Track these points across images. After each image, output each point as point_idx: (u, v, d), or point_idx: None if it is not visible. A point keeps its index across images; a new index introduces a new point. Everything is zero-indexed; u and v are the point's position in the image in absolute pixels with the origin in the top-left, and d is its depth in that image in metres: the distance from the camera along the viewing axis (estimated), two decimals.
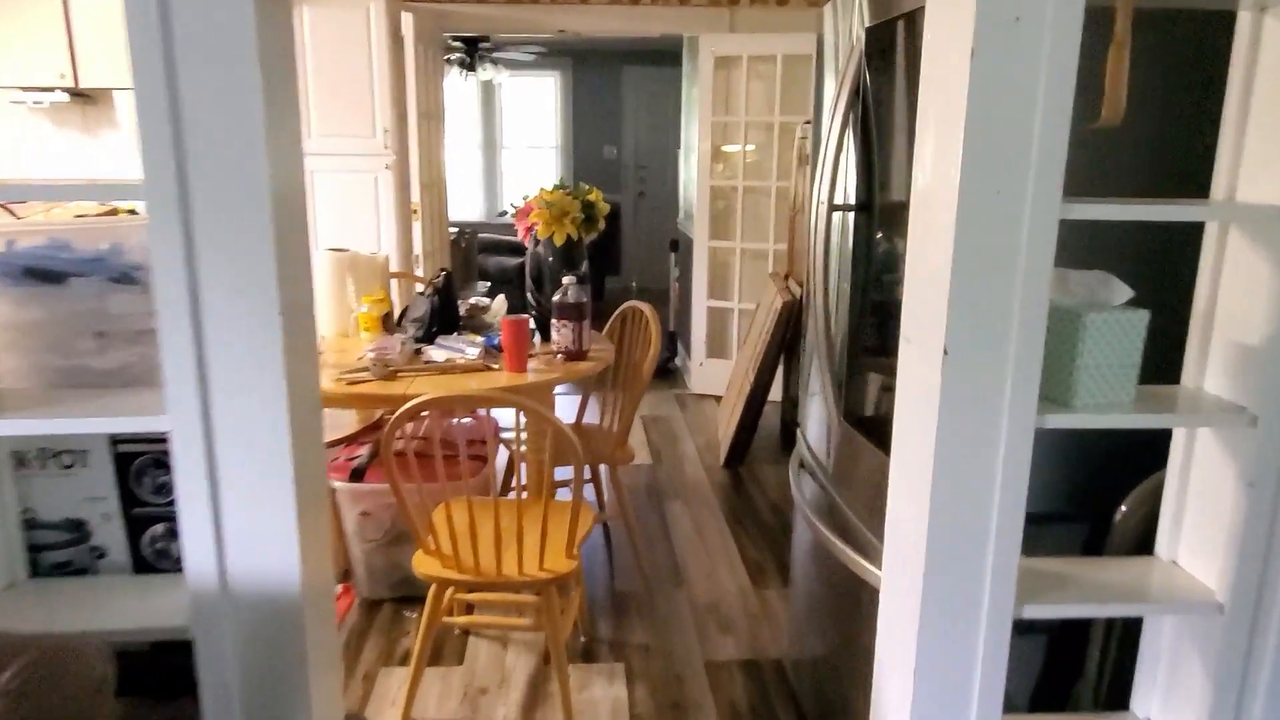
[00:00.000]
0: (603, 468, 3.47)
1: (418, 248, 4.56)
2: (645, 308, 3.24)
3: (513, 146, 9.46)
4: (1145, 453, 1.44)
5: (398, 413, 2.10)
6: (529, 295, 3.26)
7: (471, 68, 7.31)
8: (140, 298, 1.24)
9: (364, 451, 3.10)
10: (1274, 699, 1.31)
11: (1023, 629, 1.31)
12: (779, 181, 5.04)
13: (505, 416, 3.70)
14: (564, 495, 3.70)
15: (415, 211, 4.51)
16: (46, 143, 4.85)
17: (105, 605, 1.26)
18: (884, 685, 1.44)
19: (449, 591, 2.52)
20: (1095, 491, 1.52)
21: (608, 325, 3.43)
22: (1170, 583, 1.35)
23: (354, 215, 4.54)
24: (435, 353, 2.96)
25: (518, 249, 6.95)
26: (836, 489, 2.11)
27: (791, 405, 4.55)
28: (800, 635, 2.56)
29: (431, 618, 2.36)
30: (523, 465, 3.13)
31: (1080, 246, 1.27)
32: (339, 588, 2.05)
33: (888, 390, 1.91)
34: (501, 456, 3.67)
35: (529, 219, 3.15)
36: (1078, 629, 1.60)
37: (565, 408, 3.58)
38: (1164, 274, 1.40)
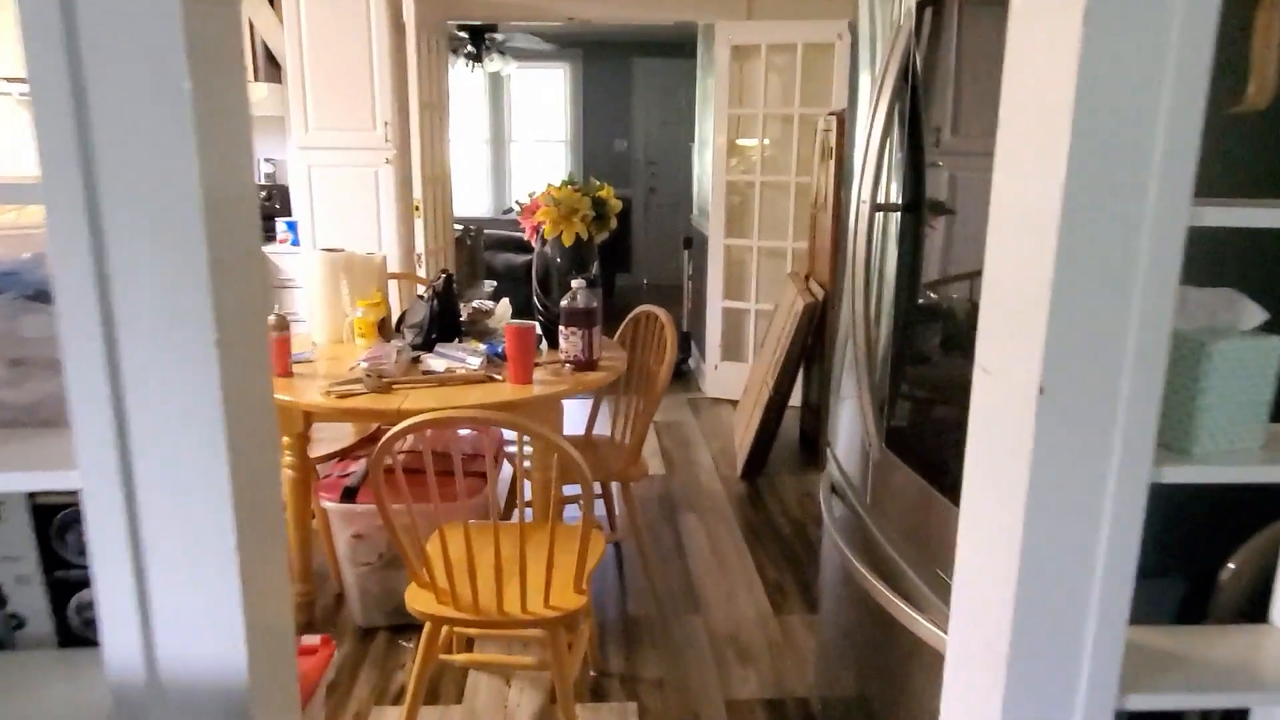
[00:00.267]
0: (614, 483, 3.26)
1: (420, 246, 4.35)
2: (660, 312, 3.02)
3: (521, 140, 9.24)
4: (1259, 498, 1.22)
5: (385, 436, 1.89)
6: (535, 299, 3.04)
7: (478, 59, 7.09)
8: None
9: (358, 468, 2.89)
10: None
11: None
12: (799, 177, 4.81)
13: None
14: (572, 511, 3.49)
15: (417, 208, 4.30)
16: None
17: (21, 688, 1.05)
18: None
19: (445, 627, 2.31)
20: (1197, 543, 1.30)
21: (620, 330, 3.21)
22: None
23: (353, 212, 4.34)
24: (434, 362, 2.75)
25: (526, 246, 6.73)
26: (874, 520, 1.89)
27: (812, 413, 4.33)
28: (830, 673, 2.34)
29: (426, 657, 2.16)
30: (526, 482, 2.93)
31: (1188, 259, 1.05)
32: (316, 639, 1.84)
33: (939, 415, 1.69)
34: (505, 470, 3.46)
35: (535, 217, 2.93)
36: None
37: (575, 415, 3.37)
38: None
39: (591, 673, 2.60)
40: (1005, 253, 1.04)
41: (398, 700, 2.44)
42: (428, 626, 2.13)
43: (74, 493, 1.05)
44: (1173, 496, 1.26)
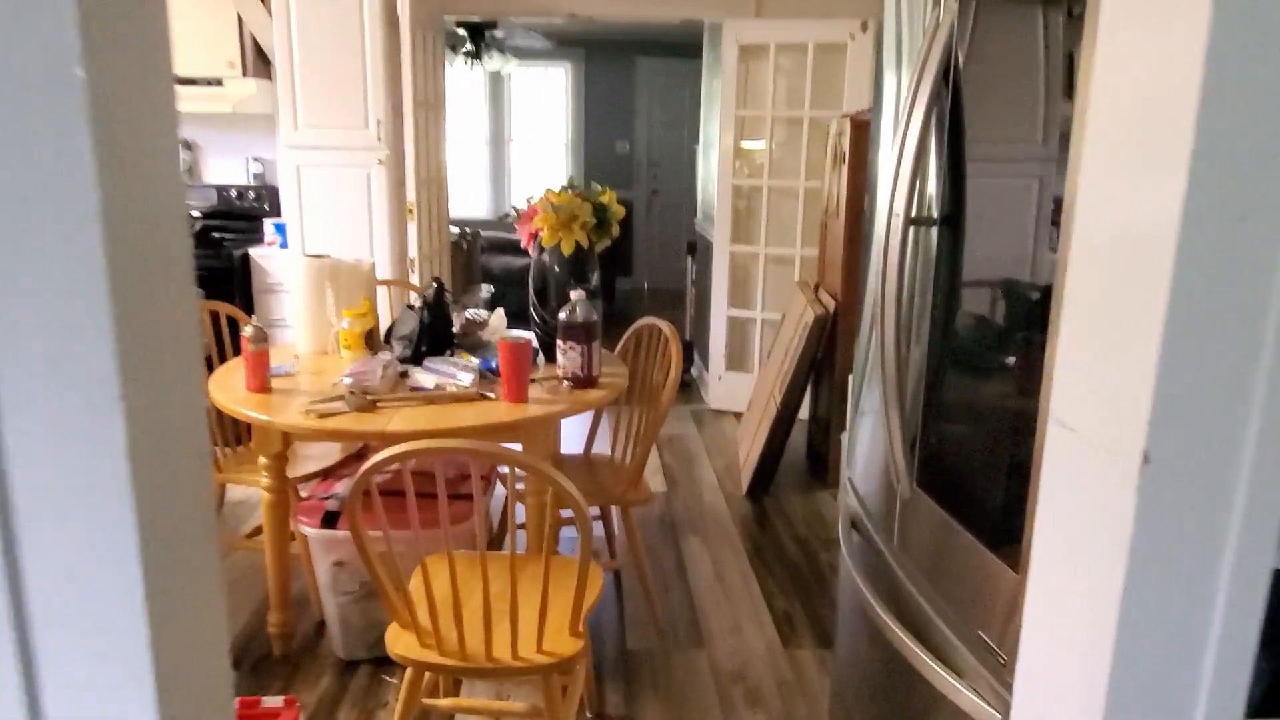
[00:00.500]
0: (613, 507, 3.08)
1: (413, 251, 4.17)
2: (664, 326, 2.84)
3: (521, 141, 9.07)
4: None
5: (361, 470, 1.71)
6: (532, 311, 2.86)
7: (478, 57, 6.91)
8: None
9: (341, 488, 2.71)
10: None
11: None
12: (808, 181, 4.63)
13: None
14: (569, 532, 3.32)
15: (411, 211, 4.12)
16: None
17: None
18: None
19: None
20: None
21: (621, 343, 3.04)
22: None
23: (344, 214, 4.16)
24: (423, 377, 2.58)
25: (525, 249, 6.57)
26: (900, 565, 1.71)
27: (821, 428, 4.16)
28: None
29: (409, 703, 1.98)
30: (519, 504, 2.75)
31: None
32: (279, 700, 1.67)
33: (982, 455, 1.51)
34: (497, 489, 3.28)
35: (533, 224, 2.76)
36: None
37: (573, 431, 3.20)
38: None
39: (588, 715, 2.42)
40: (1095, 281, 0.86)
41: None
42: (409, 672, 1.95)
43: None
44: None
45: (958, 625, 1.47)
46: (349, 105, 4.05)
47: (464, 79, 8.56)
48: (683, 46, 8.54)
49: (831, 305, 3.83)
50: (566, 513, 2.82)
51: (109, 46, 0.70)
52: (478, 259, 6.00)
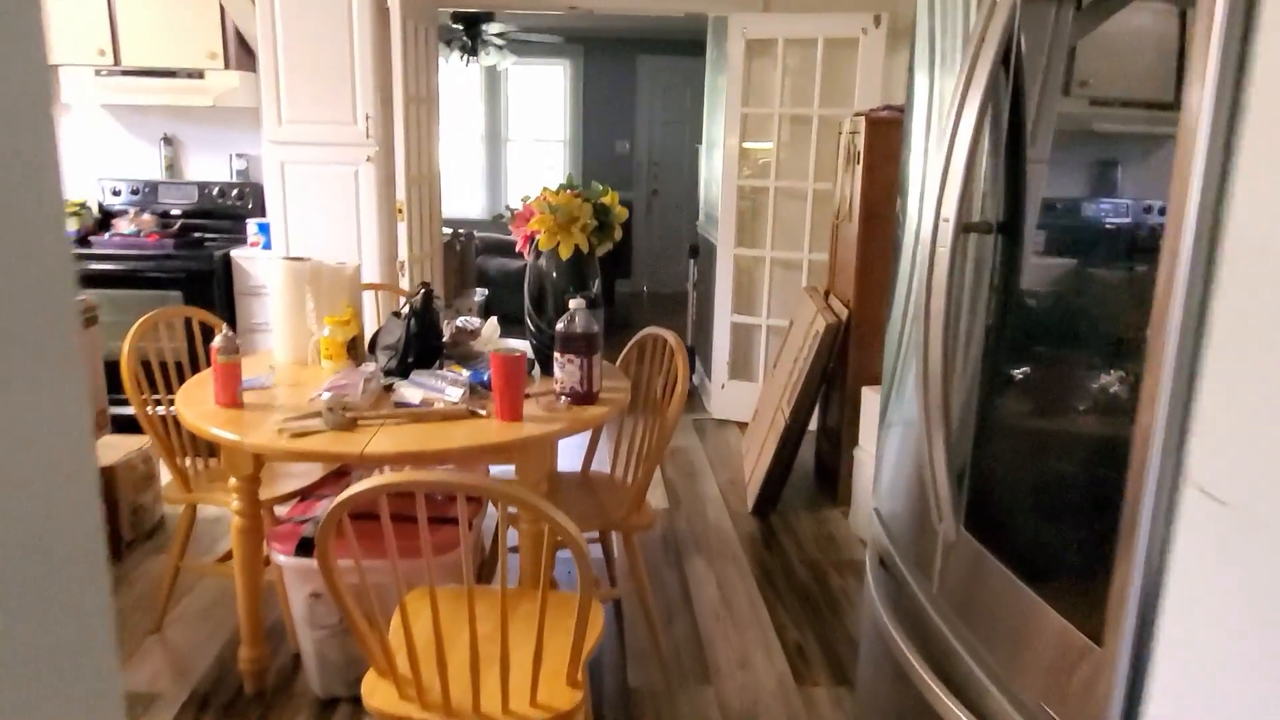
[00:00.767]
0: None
1: (403, 252, 3.97)
2: (669, 337, 2.64)
3: (519, 139, 8.87)
4: None
5: (334, 504, 1.51)
6: (528, 320, 2.66)
7: (473, 52, 6.71)
8: None
9: (321, 510, 2.51)
10: None
11: None
12: (817, 183, 4.43)
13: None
14: (565, 553, 3.12)
15: (401, 211, 3.92)
16: None
17: None
18: None
19: None
20: None
21: (623, 355, 2.84)
22: None
23: (330, 213, 3.96)
24: (409, 391, 2.37)
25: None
26: (943, 617, 1.52)
27: (830, 441, 3.96)
28: None
29: None
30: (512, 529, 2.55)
31: None
32: None
33: (1047, 497, 1.31)
34: (490, 508, 3.08)
35: (529, 226, 2.56)
36: None
37: (571, 444, 3.00)
38: None
39: None
40: (1259, 324, 0.66)
41: None
42: None
43: None
44: None
45: (1011, 691, 1.27)
46: (336, 99, 3.85)
47: (459, 75, 8.36)
48: (684, 43, 8.35)
49: (844, 313, 3.63)
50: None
51: None
52: (472, 261, 5.80)
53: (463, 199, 8.77)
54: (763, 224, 4.66)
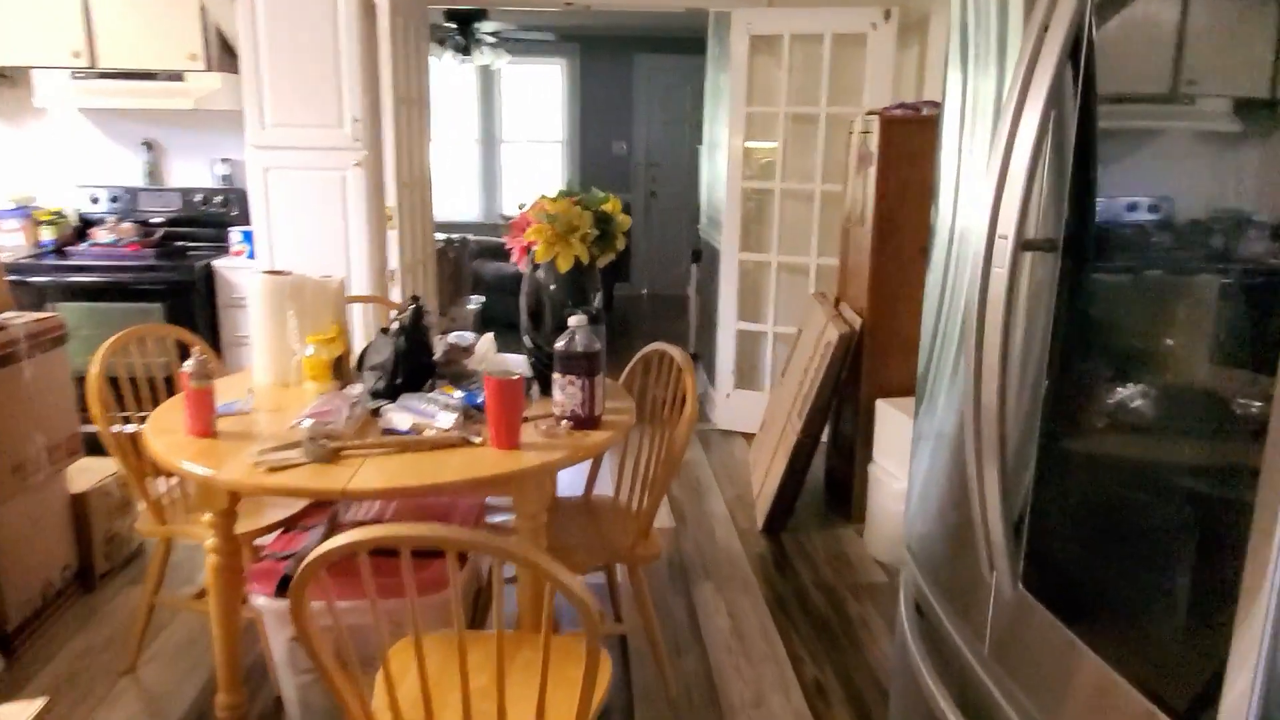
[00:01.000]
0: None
1: (394, 261, 3.80)
2: (675, 353, 2.47)
3: (514, 141, 8.69)
4: None
5: (304, 563, 1.34)
6: (524, 337, 2.49)
7: (467, 51, 6.53)
8: None
9: (306, 543, 2.34)
10: None
11: None
12: (825, 185, 4.26)
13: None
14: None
15: (390, 217, 3.75)
16: None
17: None
18: None
19: None
20: None
21: (626, 371, 2.67)
22: None
23: (316, 222, 3.78)
24: (397, 417, 2.20)
25: None
26: (996, 682, 1.34)
27: (842, 455, 3.79)
28: None
29: None
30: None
31: None
32: None
33: (1127, 551, 1.14)
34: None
35: (525, 236, 2.38)
36: None
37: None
38: None
39: None
40: None
41: None
42: None
43: None
44: None
45: None
46: (322, 101, 3.67)
47: (453, 75, 8.19)
48: (683, 41, 8.18)
49: (857, 322, 3.46)
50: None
51: None
52: (467, 267, 5.62)
53: (459, 202, 8.59)
54: (768, 227, 4.48)
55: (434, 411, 2.19)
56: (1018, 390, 1.30)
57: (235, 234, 4.09)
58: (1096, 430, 1.18)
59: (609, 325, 7.25)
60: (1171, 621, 1.01)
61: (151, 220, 4.33)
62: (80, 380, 2.57)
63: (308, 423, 2.10)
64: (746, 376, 4.71)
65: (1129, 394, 1.13)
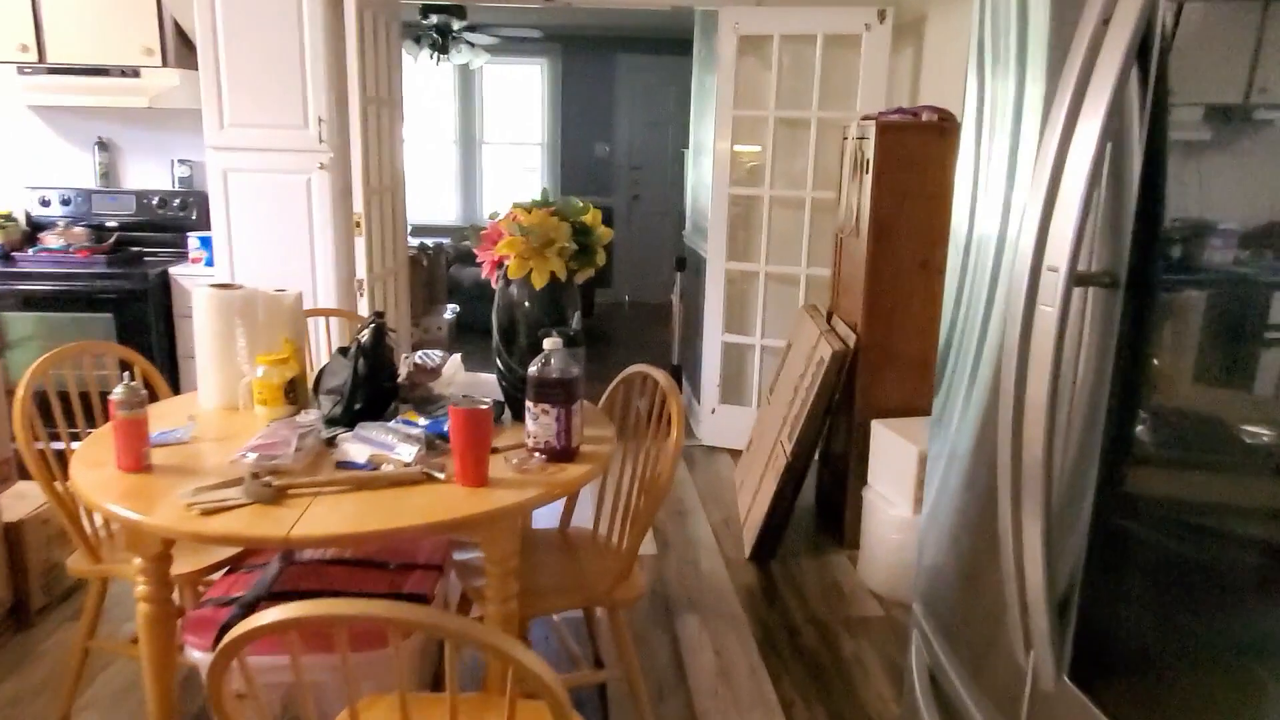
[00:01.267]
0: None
1: (361, 270, 3.58)
2: (659, 376, 2.28)
3: (494, 142, 8.47)
4: None
5: (220, 648, 1.14)
6: (496, 359, 2.29)
7: (444, 50, 6.31)
8: None
9: (255, 585, 2.13)
10: None
11: None
12: (816, 191, 4.08)
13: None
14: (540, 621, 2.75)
15: (358, 224, 3.53)
16: None
17: None
18: None
19: None
20: None
21: (606, 395, 2.47)
22: None
23: (279, 228, 3.56)
24: (354, 448, 1.99)
25: None
26: None
27: (834, 477, 3.61)
28: None
29: None
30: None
31: None
32: None
33: (1193, 643, 0.95)
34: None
35: (496, 250, 2.18)
36: None
37: None
38: None
39: None
40: None
41: None
42: None
43: None
44: None
45: None
46: (285, 100, 3.45)
47: (431, 74, 7.97)
48: (667, 42, 7.99)
49: (851, 339, 3.28)
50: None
51: None
52: (442, 274, 5.41)
53: (436, 206, 8.37)
54: (756, 235, 4.30)
55: (394, 443, 1.99)
56: (1063, 441, 1.11)
57: (193, 239, 3.86)
58: (1166, 489, 1.00)
59: (589, 333, 7.05)
60: None
61: (106, 224, 4.09)
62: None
63: (251, 457, 1.89)
64: (733, 391, 4.52)
65: (1207, 448, 0.94)
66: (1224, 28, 0.89)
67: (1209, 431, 0.94)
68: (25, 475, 2.81)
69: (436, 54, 6.33)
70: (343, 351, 2.28)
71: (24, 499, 2.84)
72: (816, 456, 3.79)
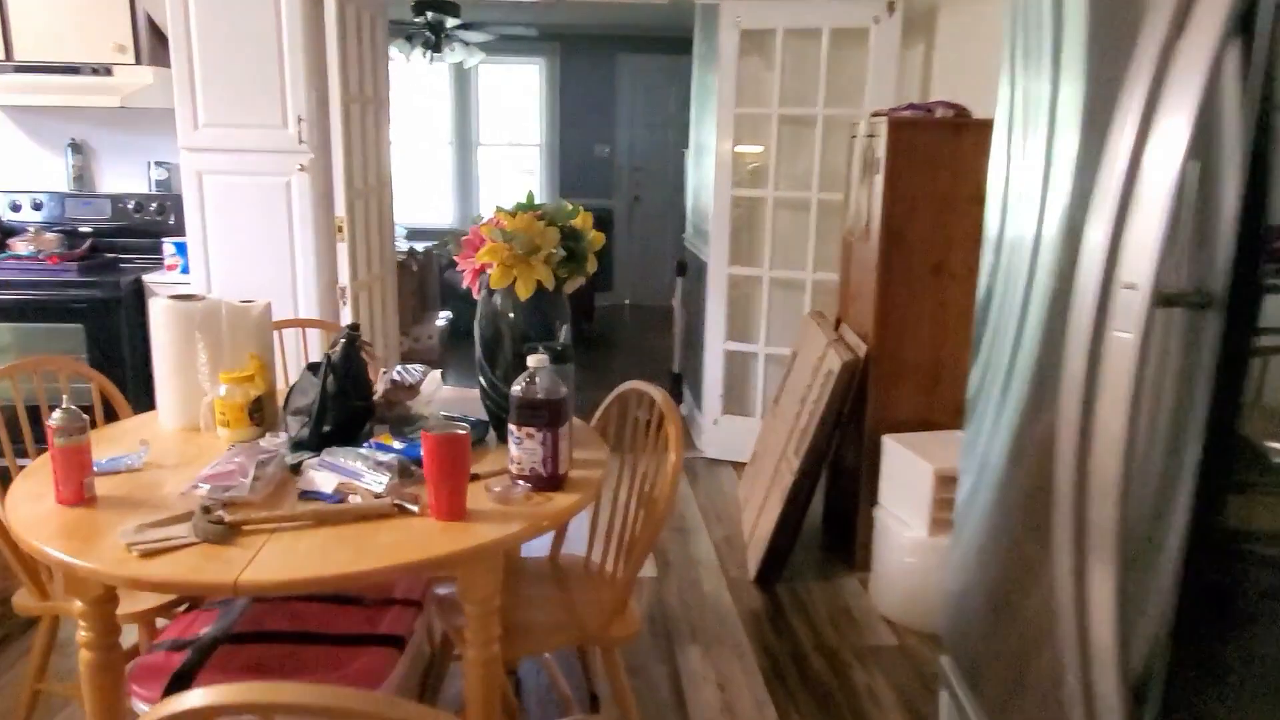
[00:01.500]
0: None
1: (344, 278, 3.40)
2: (658, 395, 2.10)
3: (491, 143, 8.30)
4: None
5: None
6: (480, 376, 2.11)
7: (438, 49, 6.14)
8: None
9: (215, 621, 1.95)
10: None
11: None
12: (822, 193, 3.90)
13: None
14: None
15: (340, 229, 3.35)
16: None
17: None
18: None
19: None
20: None
21: (600, 412, 2.29)
22: None
23: (257, 233, 3.38)
24: (320, 476, 1.81)
25: None
26: None
27: (841, 490, 3.42)
28: None
29: None
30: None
31: None
32: None
33: None
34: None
35: (477, 258, 2.00)
36: None
37: None
38: None
39: None
40: None
41: None
42: None
43: None
44: None
45: None
46: (262, 99, 3.27)
47: (426, 74, 7.80)
48: (667, 40, 7.82)
49: (861, 349, 3.09)
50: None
51: None
52: (434, 280, 5.22)
53: (432, 208, 8.19)
54: (760, 238, 4.12)
55: (363, 470, 1.80)
56: (1138, 486, 0.93)
57: (168, 245, 3.68)
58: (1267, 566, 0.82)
59: (589, 337, 6.86)
60: None
61: (80, 229, 3.92)
62: None
63: (203, 488, 1.71)
64: (736, 401, 4.34)
65: None
66: None
67: None
68: None
69: (430, 53, 6.15)
70: (313, 368, 2.10)
71: None
72: (824, 473, 3.60)
